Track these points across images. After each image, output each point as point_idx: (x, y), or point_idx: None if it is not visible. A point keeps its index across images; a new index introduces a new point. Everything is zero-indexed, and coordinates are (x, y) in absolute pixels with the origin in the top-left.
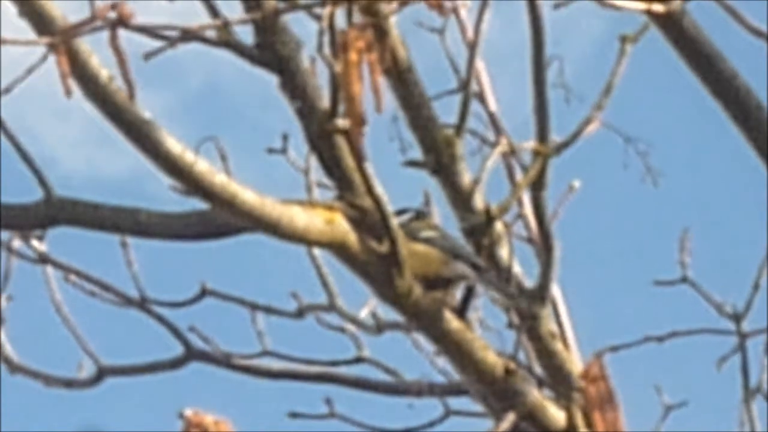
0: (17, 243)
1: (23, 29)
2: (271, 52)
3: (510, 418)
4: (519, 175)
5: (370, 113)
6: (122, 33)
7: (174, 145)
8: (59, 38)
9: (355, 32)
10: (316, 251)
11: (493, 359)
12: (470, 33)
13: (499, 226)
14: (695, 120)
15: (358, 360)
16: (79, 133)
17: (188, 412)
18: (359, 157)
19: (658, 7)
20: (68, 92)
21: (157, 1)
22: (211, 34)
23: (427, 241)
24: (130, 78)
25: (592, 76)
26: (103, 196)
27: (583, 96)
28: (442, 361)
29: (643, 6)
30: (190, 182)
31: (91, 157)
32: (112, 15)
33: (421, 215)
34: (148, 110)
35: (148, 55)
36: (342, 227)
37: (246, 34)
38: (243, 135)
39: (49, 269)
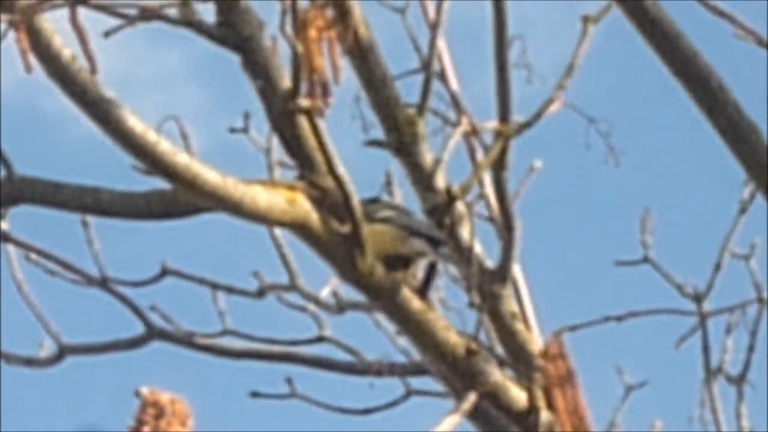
0: None
1: None
2: (233, 31)
3: (471, 398)
4: (481, 155)
5: (333, 94)
6: (83, 12)
7: (136, 124)
8: (19, 16)
9: (314, 10)
10: (278, 231)
11: (454, 339)
12: (432, 13)
13: (460, 205)
14: (657, 100)
15: (320, 339)
16: None
17: (144, 391)
18: (319, 137)
19: None
20: (28, 69)
21: None
22: (172, 12)
23: (384, 220)
24: (91, 54)
25: (554, 56)
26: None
27: (545, 76)
28: (403, 341)
29: None
30: (152, 161)
31: None
32: None
33: (376, 201)
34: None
35: (108, 33)
36: (303, 207)
37: (208, 14)
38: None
39: (11, 248)
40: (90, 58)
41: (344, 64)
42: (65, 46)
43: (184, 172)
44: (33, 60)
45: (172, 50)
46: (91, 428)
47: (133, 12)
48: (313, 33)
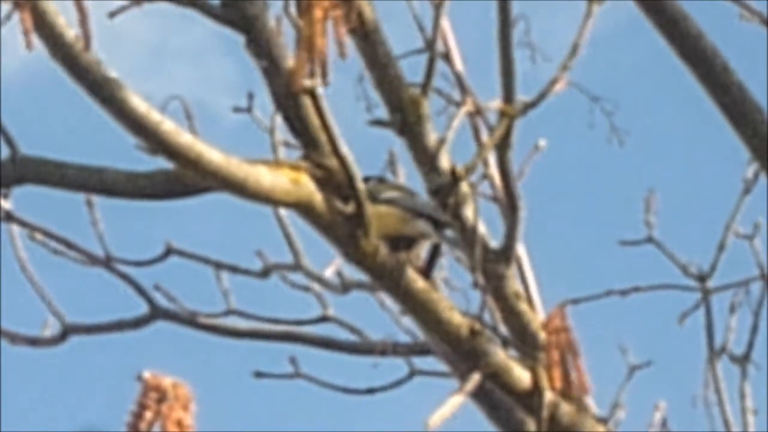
0: None
1: None
2: (237, 11)
3: (475, 378)
4: (485, 135)
5: (338, 74)
6: None
7: (139, 104)
8: None
9: None
10: (282, 211)
11: (458, 320)
12: None
13: (464, 186)
14: (661, 80)
15: (323, 319)
16: (132, 63)
17: (146, 375)
18: (323, 116)
19: None
20: (30, 47)
21: None
22: None
23: (388, 201)
24: (88, 32)
25: (558, 35)
26: None
27: (550, 56)
28: (407, 321)
29: None
30: (156, 142)
31: (145, 87)
32: None
33: (382, 180)
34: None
35: (114, 14)
36: (308, 187)
37: None
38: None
39: (15, 227)
40: (86, 34)
41: (348, 43)
42: (69, 26)
43: (187, 151)
44: (36, 40)
45: (205, 21)
46: (92, 427)
47: None
48: (318, 13)
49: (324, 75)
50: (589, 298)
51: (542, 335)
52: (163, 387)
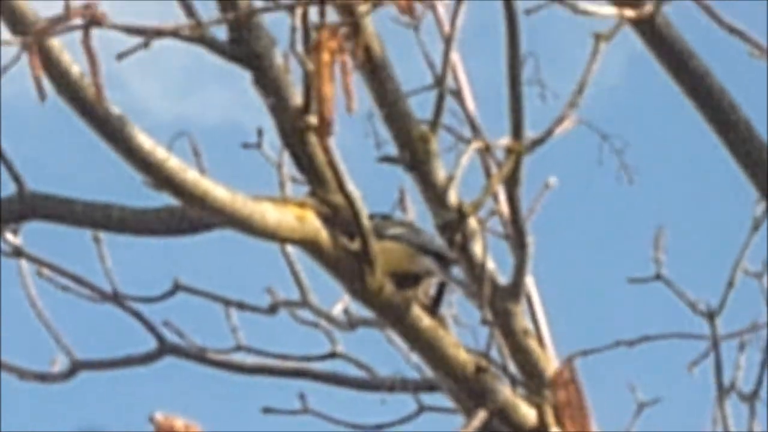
0: None
1: None
2: (245, 48)
3: (481, 415)
4: (495, 172)
5: (345, 110)
6: (95, 31)
7: (145, 140)
8: (33, 38)
9: (327, 32)
10: (290, 247)
11: (464, 357)
12: (446, 27)
13: (473, 222)
14: (670, 118)
15: (332, 355)
16: (169, 84)
17: (159, 416)
18: (329, 156)
19: (630, 13)
20: (42, 96)
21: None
22: (185, 30)
23: (394, 237)
24: (99, 81)
25: (568, 72)
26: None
27: (559, 92)
28: (415, 357)
29: (614, 12)
30: (162, 178)
31: (181, 107)
32: (86, 14)
33: (387, 218)
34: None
35: (122, 55)
36: (313, 224)
37: (220, 30)
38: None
39: (24, 263)
40: (98, 85)
41: (357, 79)
42: (74, 62)
43: (192, 188)
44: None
45: None
46: (92, 428)
47: (148, 32)
48: (326, 57)
49: (331, 128)
50: (597, 350)
51: (550, 386)
52: (176, 428)
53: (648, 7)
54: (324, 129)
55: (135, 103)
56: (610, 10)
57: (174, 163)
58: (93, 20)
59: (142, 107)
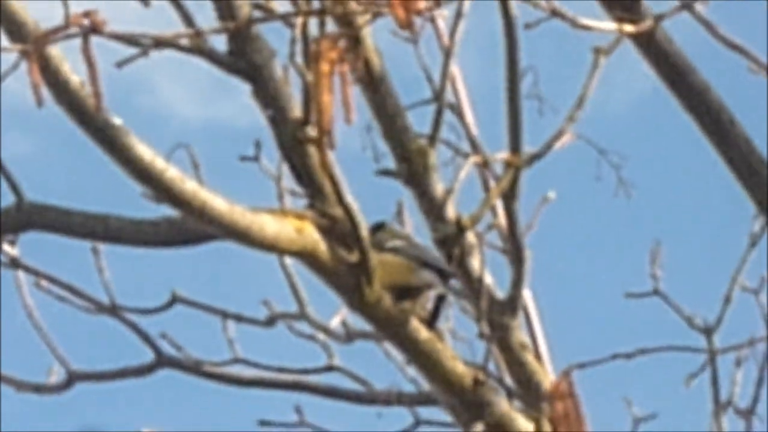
0: None
1: None
2: (244, 60)
3: (478, 428)
4: (494, 186)
5: (344, 123)
6: (95, 39)
7: (144, 151)
8: (32, 46)
9: (327, 43)
10: (288, 260)
11: (461, 370)
12: (446, 42)
13: (471, 236)
14: (668, 133)
15: (329, 368)
16: (197, 87)
17: None
18: (328, 168)
19: (629, 28)
20: (39, 102)
21: (129, 9)
22: (184, 41)
23: (393, 250)
24: (98, 89)
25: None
26: (224, 147)
27: (557, 107)
28: (412, 371)
29: (614, 27)
30: (161, 189)
31: (210, 111)
32: (86, 22)
33: (383, 226)
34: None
35: (121, 63)
36: (312, 236)
37: (220, 42)
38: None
39: (21, 274)
40: (97, 94)
41: (355, 92)
42: (74, 71)
43: (191, 199)
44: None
45: None
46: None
47: (146, 41)
48: (325, 67)
49: (330, 139)
50: (594, 362)
51: (547, 399)
52: None
53: (647, 22)
54: (323, 140)
55: (163, 108)
56: (610, 25)
57: (173, 173)
58: (92, 28)
59: (170, 112)
